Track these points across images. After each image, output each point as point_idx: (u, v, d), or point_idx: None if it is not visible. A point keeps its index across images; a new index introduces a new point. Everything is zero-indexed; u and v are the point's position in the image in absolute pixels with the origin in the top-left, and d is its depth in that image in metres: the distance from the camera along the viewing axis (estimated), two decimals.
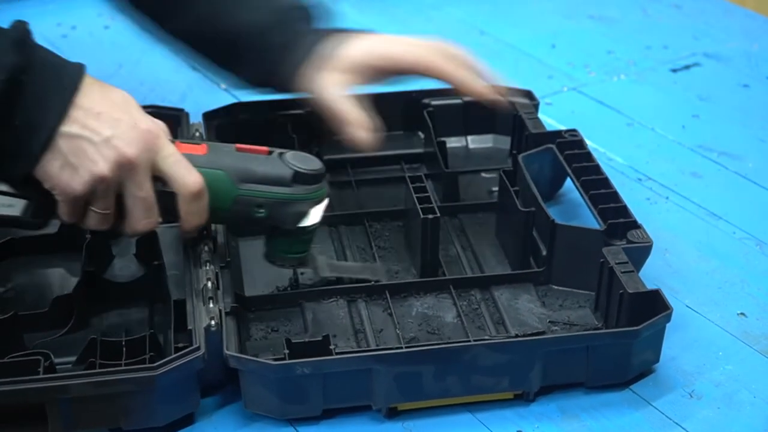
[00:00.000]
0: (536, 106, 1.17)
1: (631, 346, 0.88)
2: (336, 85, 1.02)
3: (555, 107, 1.34)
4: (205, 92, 1.36)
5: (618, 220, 0.97)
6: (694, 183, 1.19)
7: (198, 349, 0.84)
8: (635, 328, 0.87)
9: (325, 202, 0.94)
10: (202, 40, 1.09)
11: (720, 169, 1.22)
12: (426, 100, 1.19)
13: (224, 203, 0.90)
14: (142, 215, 0.87)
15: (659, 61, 1.46)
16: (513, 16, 1.60)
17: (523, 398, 0.89)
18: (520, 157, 1.06)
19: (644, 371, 0.92)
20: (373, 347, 0.92)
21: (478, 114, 1.19)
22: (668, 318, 0.88)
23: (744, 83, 1.40)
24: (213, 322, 0.86)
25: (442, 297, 0.98)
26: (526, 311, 0.96)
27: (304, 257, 0.96)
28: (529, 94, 1.18)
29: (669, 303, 0.88)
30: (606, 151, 1.24)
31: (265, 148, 0.93)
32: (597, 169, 1.05)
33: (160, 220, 0.89)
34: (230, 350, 0.85)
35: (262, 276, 1.01)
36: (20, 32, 0.84)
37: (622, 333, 0.88)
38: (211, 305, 0.88)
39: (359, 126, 1.02)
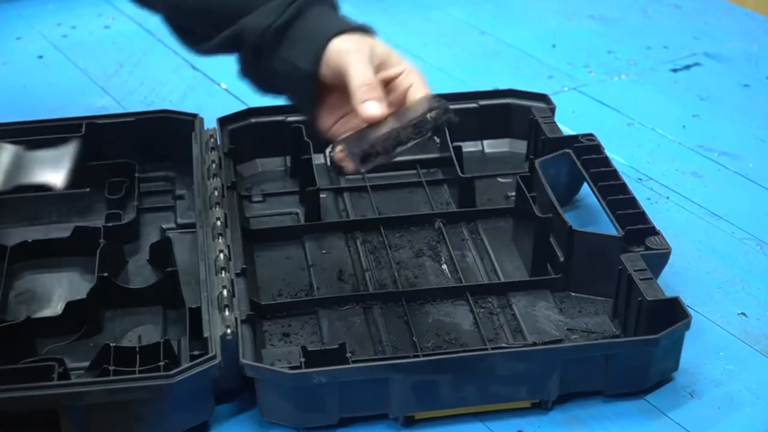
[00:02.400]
0: (552, 110, 1.16)
1: (650, 354, 0.87)
2: None
3: (555, 107, 1.33)
4: (205, 92, 1.36)
5: (636, 226, 0.97)
6: (694, 183, 1.19)
7: (214, 357, 0.84)
8: (655, 336, 0.86)
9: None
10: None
11: (720, 168, 1.22)
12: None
13: None
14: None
15: (659, 61, 1.46)
16: (513, 16, 1.60)
17: (541, 407, 0.88)
18: (537, 162, 1.06)
19: (663, 379, 0.91)
20: (389, 355, 0.91)
21: (493, 118, 1.19)
22: (688, 326, 0.88)
23: (744, 83, 1.40)
24: (229, 331, 0.85)
25: (459, 304, 0.98)
26: (543, 318, 0.96)
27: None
28: (544, 98, 1.18)
29: (688, 311, 0.88)
30: (606, 151, 1.24)
31: None
32: (614, 174, 1.05)
33: None
34: (246, 359, 0.85)
35: (277, 283, 1.01)
36: None
37: (641, 341, 0.87)
38: (227, 313, 0.87)
39: None
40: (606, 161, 1.07)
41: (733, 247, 1.09)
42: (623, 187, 1.03)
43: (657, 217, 1.11)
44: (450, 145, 1.13)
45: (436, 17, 1.59)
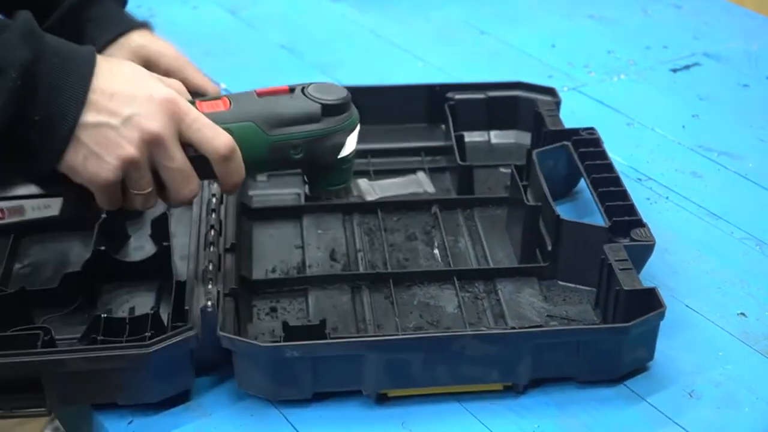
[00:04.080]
0: (557, 104, 1.17)
1: (621, 343, 0.88)
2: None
3: (561, 101, 1.33)
4: None
5: (623, 218, 0.97)
6: (694, 183, 1.19)
7: (191, 329, 0.85)
8: (625, 324, 0.87)
9: (358, 128, 0.91)
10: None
11: (720, 168, 1.22)
12: (450, 94, 1.21)
13: (260, 153, 0.88)
14: (182, 185, 0.85)
15: (659, 61, 1.46)
16: (513, 16, 1.60)
17: (513, 390, 0.89)
18: (534, 153, 1.07)
19: (638, 368, 0.91)
20: (370, 334, 0.92)
21: (500, 109, 1.21)
22: (661, 316, 0.88)
23: (744, 83, 1.40)
24: (209, 303, 0.86)
25: (446, 287, 0.99)
26: (527, 305, 0.96)
27: (347, 186, 0.95)
28: (551, 92, 1.20)
29: (663, 301, 0.88)
30: (606, 150, 1.24)
31: (285, 87, 0.90)
32: (609, 167, 1.05)
33: (200, 184, 0.87)
34: (225, 331, 0.85)
35: (272, 260, 1.03)
36: (27, 23, 0.81)
37: (611, 329, 0.89)
38: (210, 286, 0.89)
39: None
40: (603, 154, 1.07)
41: (732, 247, 1.08)
42: (616, 180, 1.03)
43: (656, 217, 1.11)
44: (452, 134, 1.14)
45: (436, 17, 1.59)
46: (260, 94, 0.89)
